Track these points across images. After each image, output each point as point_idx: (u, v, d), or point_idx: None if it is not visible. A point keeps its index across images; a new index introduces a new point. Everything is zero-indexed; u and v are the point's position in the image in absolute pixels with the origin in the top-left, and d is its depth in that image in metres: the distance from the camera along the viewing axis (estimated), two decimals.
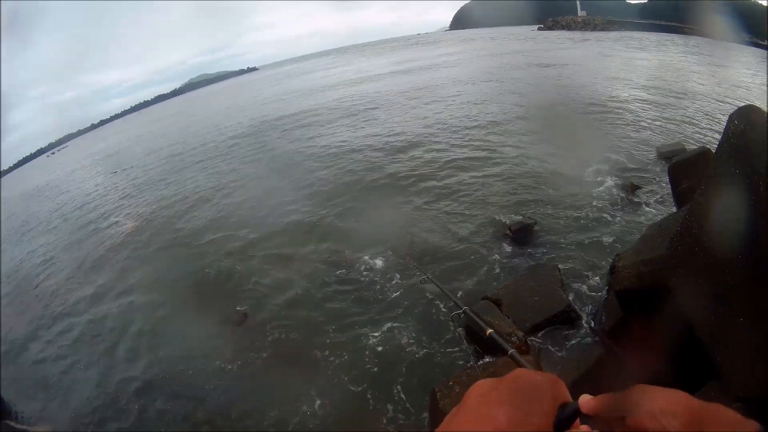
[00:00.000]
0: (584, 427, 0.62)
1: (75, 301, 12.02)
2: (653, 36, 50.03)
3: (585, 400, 0.63)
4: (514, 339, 5.70)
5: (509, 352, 1.68)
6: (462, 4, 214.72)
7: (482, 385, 0.62)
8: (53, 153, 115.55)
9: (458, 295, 7.84)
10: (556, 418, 0.58)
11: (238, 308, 9.05)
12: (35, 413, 7.99)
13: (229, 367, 7.49)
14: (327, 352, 7.40)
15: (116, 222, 18.19)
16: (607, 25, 69.70)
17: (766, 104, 16.70)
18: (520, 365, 1.51)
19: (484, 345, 6.10)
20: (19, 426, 7.58)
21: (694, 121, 15.83)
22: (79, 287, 12.78)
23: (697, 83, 21.96)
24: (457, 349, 6.85)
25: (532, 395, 0.57)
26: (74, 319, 11.04)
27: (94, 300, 11.61)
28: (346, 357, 7.25)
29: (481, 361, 5.90)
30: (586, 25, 75.81)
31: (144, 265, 12.76)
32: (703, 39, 40.51)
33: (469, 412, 0.58)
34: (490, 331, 2.10)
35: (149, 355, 8.52)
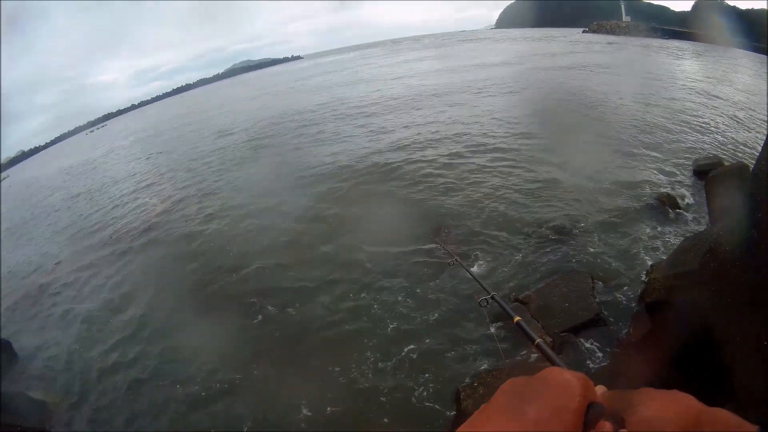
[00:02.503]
0: (607, 425, 0.61)
1: (87, 285, 12.51)
2: (694, 46, 48.57)
3: (600, 392, 0.65)
4: (546, 338, 5.77)
5: (536, 341, 1.73)
6: (507, 3, 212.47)
7: (513, 383, 0.62)
8: (92, 131, 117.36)
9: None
10: (585, 417, 0.58)
11: (253, 301, 9.31)
12: (38, 395, 8.31)
13: (238, 363, 7.65)
14: (346, 348, 7.56)
15: (144, 203, 18.67)
16: (651, 32, 68.04)
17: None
18: (546, 355, 1.56)
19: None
20: (24, 396, 7.95)
21: (733, 134, 15.45)
22: (96, 272, 13.18)
23: (738, 96, 21.33)
24: (480, 346, 6.94)
25: (562, 393, 0.57)
26: (81, 305, 11.48)
27: (102, 289, 11.98)
28: (368, 352, 7.40)
29: (509, 359, 5.97)
30: (630, 31, 74.16)
31: (157, 254, 13.12)
32: (739, 50, 39.27)
33: (498, 409, 0.58)
34: (517, 318, 2.13)
35: (153, 348, 8.80)
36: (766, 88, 23.25)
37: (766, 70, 26.78)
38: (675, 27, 64.97)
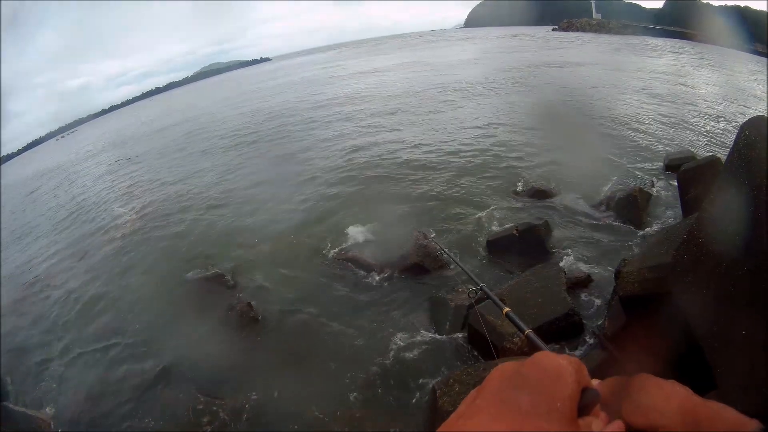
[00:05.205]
0: (602, 415, 0.61)
1: (77, 290, 12.05)
2: (665, 42, 49.52)
3: (596, 383, 0.64)
4: (516, 340, 5.73)
5: (526, 332, 1.70)
6: (477, 2, 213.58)
7: (505, 368, 0.60)
8: (63, 137, 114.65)
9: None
10: (580, 403, 0.57)
11: (242, 302, 9.05)
12: (35, 400, 8.05)
13: (231, 364, 7.50)
14: (329, 347, 7.47)
15: (119, 213, 18.16)
16: (621, 29, 69.28)
17: (766, 112, 16.73)
18: (536, 346, 1.50)
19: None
20: (18, 409, 7.67)
21: (704, 128, 15.75)
22: (78, 279, 12.79)
23: (709, 91, 21.79)
24: (463, 341, 6.91)
25: (556, 378, 0.55)
26: (75, 309, 11.10)
27: (95, 291, 11.61)
28: (348, 351, 7.32)
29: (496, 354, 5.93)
30: (601, 28, 75.42)
31: (146, 258, 12.80)
32: (713, 47, 40.18)
33: (490, 396, 0.56)
34: (507, 309, 2.12)
35: (150, 349, 8.56)
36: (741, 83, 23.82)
37: (737, 65, 27.45)
38: (647, 24, 66.28)
